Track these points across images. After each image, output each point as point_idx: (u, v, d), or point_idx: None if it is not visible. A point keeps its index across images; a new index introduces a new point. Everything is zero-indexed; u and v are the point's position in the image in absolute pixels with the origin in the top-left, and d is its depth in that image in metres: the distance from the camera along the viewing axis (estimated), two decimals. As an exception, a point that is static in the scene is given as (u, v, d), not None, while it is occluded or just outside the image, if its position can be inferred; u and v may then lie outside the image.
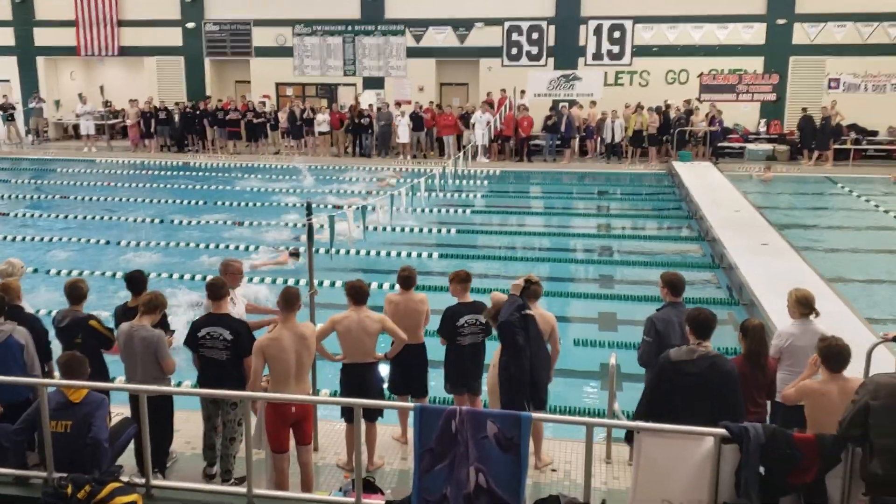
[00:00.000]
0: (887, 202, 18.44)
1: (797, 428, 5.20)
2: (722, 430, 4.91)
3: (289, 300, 6.11)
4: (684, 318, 5.81)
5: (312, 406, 6.31)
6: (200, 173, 23.05)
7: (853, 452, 4.80)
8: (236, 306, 6.98)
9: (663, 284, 6.59)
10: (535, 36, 26.19)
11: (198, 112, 26.10)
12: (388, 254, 14.34)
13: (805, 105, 24.17)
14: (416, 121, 24.72)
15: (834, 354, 5.23)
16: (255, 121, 25.62)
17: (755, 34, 25.28)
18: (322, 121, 25.21)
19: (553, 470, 6.64)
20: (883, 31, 24.71)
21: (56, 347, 6.62)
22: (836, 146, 23.73)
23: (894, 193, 19.74)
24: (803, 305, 6.34)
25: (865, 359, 6.27)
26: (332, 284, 12.07)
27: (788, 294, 6.53)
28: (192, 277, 12.58)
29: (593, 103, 24.44)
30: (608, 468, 6.56)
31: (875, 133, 24.76)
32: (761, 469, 4.83)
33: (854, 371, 5.51)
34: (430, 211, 17.35)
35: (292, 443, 6.18)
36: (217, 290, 6.50)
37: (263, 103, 26.49)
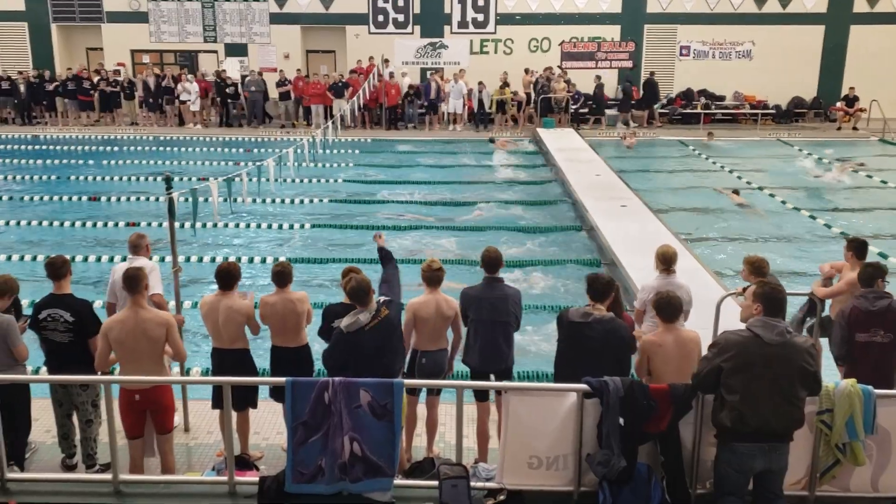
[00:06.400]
0: (734, 164, 19.64)
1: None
2: (583, 386, 5.16)
3: (131, 282, 5.71)
4: (497, 296, 6.12)
5: (168, 395, 5.88)
6: (51, 147, 21.67)
7: (703, 400, 5.16)
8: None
9: (480, 262, 6.49)
10: (400, 3, 26.06)
11: (45, 81, 24.47)
12: (259, 226, 14.07)
13: (658, 71, 25.36)
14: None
15: (664, 306, 5.55)
16: (107, 90, 24.26)
17: (612, 3, 26.21)
18: (186, 89, 24.11)
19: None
20: (728, 1, 26.15)
21: None
22: (687, 111, 25.18)
23: (740, 155, 21.06)
24: (661, 261, 6.80)
25: (715, 311, 6.74)
26: (200, 260, 11.74)
27: (656, 250, 6.93)
28: (47, 257, 11.88)
29: (462, 71, 24.65)
30: (480, 428, 6.73)
31: (722, 98, 26.31)
32: (621, 420, 5.12)
33: (705, 321, 5.91)
34: (301, 181, 17.08)
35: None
36: (57, 269, 6.13)
37: (118, 72, 25.11)
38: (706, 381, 4.95)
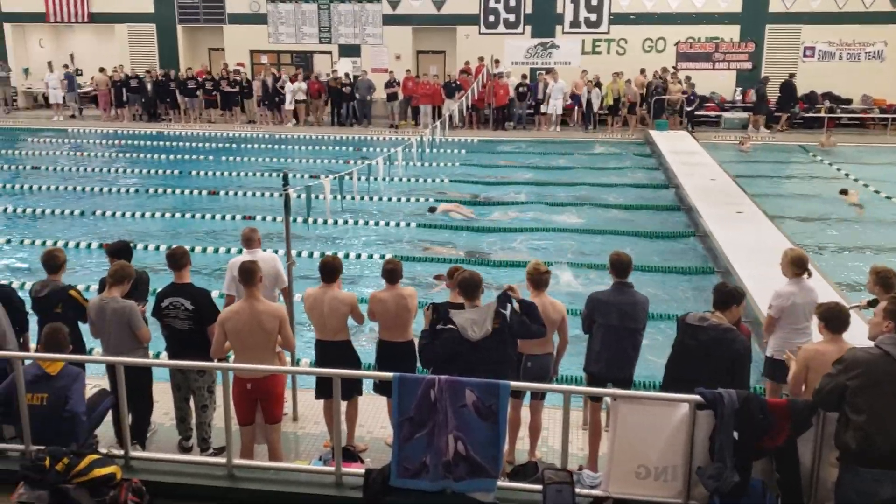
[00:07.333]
0: (856, 170, 18.62)
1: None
2: (696, 397, 4.98)
3: (247, 275, 5.87)
4: (627, 302, 5.98)
5: (279, 385, 6.07)
6: (174, 143, 22.74)
7: (824, 418, 4.89)
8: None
9: (609, 266, 6.34)
10: (512, 3, 25.98)
11: (171, 80, 25.74)
12: (366, 223, 14.32)
13: (780, 73, 24.30)
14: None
15: (831, 317, 5.34)
16: (226, 89, 25.25)
17: (731, 2, 25.24)
18: (298, 89, 24.84)
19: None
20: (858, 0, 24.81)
21: (32, 318, 6.53)
22: (810, 115, 24.02)
23: (863, 162, 19.94)
24: (797, 266, 6.53)
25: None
26: (311, 255, 12.05)
27: (783, 254, 6.68)
28: (169, 247, 12.46)
29: (584, 72, 24.28)
30: (585, 434, 6.63)
31: (849, 101, 24.96)
32: (735, 434, 4.92)
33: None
34: (408, 180, 17.28)
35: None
36: (177, 260, 6.42)
37: (237, 71, 26.10)
38: (828, 398, 4.69)
